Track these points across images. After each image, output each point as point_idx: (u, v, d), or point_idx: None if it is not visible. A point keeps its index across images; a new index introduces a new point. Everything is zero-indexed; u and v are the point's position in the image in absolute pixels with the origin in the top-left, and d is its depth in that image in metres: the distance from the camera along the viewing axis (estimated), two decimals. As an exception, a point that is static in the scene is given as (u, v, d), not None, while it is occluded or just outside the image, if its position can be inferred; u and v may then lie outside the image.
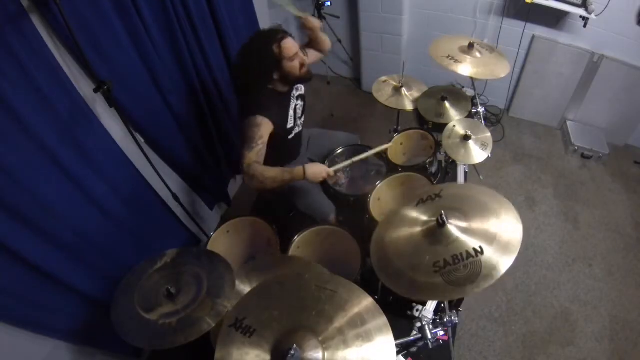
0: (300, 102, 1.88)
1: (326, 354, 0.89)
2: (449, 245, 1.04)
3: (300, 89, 1.89)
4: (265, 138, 1.60)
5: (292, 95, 1.82)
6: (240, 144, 1.61)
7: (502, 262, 0.96)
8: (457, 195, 1.22)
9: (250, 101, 1.68)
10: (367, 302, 0.98)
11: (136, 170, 1.77)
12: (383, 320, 0.94)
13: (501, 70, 1.88)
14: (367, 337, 0.91)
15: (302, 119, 1.95)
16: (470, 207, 1.12)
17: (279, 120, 1.71)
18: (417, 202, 1.23)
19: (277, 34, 1.62)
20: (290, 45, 1.63)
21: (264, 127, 1.60)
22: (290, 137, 1.86)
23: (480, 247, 1.00)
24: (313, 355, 0.88)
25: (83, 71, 1.46)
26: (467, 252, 1.00)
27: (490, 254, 0.99)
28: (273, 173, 1.52)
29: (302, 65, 1.68)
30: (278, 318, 0.95)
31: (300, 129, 1.94)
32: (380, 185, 1.82)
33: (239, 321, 0.94)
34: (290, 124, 1.81)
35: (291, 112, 1.81)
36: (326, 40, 1.96)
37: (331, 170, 1.60)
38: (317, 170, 1.56)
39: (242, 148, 1.58)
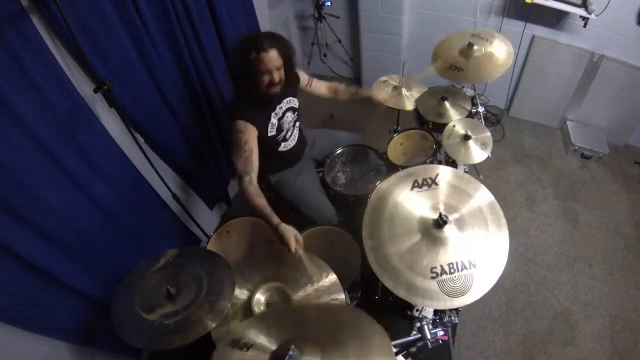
0: (290, 114, 1.81)
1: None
2: (446, 250, 1.05)
3: (293, 102, 1.81)
4: (252, 143, 1.58)
5: (280, 105, 1.74)
6: (230, 150, 1.61)
7: (489, 277, 1.00)
8: (453, 186, 1.18)
9: (233, 105, 1.70)
10: (368, 320, 0.97)
11: (136, 170, 1.78)
12: (374, 323, 0.94)
13: (503, 63, 1.85)
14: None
15: (296, 132, 1.89)
16: (467, 209, 1.12)
17: (260, 126, 1.67)
18: (412, 185, 1.19)
19: (260, 44, 1.50)
20: (267, 60, 1.52)
21: (248, 132, 1.59)
22: (280, 148, 1.82)
23: (475, 260, 1.02)
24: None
25: (83, 71, 1.46)
26: (462, 263, 1.01)
27: (481, 268, 1.01)
28: (257, 204, 1.46)
29: (271, 83, 1.57)
30: (276, 334, 0.94)
31: (294, 142, 1.88)
32: (380, 183, 1.82)
33: (235, 341, 0.94)
34: (271, 133, 1.73)
35: (274, 121, 1.73)
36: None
37: (297, 247, 1.35)
38: (287, 235, 1.37)
39: (231, 154, 1.59)
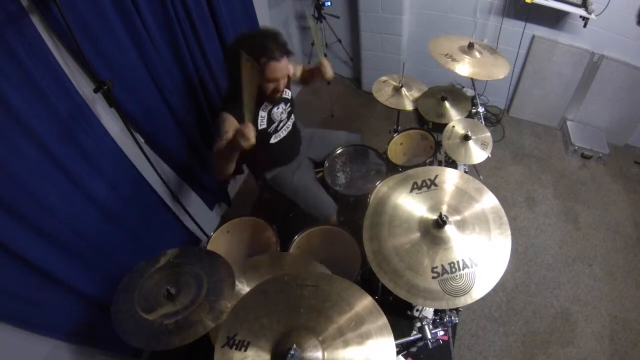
0: (282, 105, 1.77)
1: (325, 348, 0.90)
2: (447, 250, 1.05)
3: (286, 93, 1.78)
4: (230, 134, 1.54)
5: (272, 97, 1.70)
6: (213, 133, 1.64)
7: (491, 275, 1.00)
8: (452, 185, 1.19)
9: (225, 97, 1.71)
10: (347, 286, 1.00)
11: (136, 170, 1.77)
12: (365, 296, 0.97)
13: (500, 71, 1.89)
14: (359, 322, 0.93)
15: (289, 124, 1.86)
16: (467, 209, 1.12)
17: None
18: (412, 186, 1.19)
19: (272, 51, 1.47)
20: (277, 70, 1.50)
21: (228, 123, 1.58)
22: (271, 140, 1.80)
23: (476, 258, 1.02)
24: (312, 352, 0.89)
25: (83, 71, 1.46)
26: (464, 262, 1.02)
27: (483, 265, 1.01)
28: (217, 147, 1.51)
29: (275, 90, 1.58)
30: (269, 325, 0.95)
31: (285, 133, 1.86)
32: (380, 185, 1.82)
33: (230, 339, 0.94)
34: (262, 126, 1.71)
35: (263, 114, 1.70)
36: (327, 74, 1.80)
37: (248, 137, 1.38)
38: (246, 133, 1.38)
39: (214, 137, 1.60)
